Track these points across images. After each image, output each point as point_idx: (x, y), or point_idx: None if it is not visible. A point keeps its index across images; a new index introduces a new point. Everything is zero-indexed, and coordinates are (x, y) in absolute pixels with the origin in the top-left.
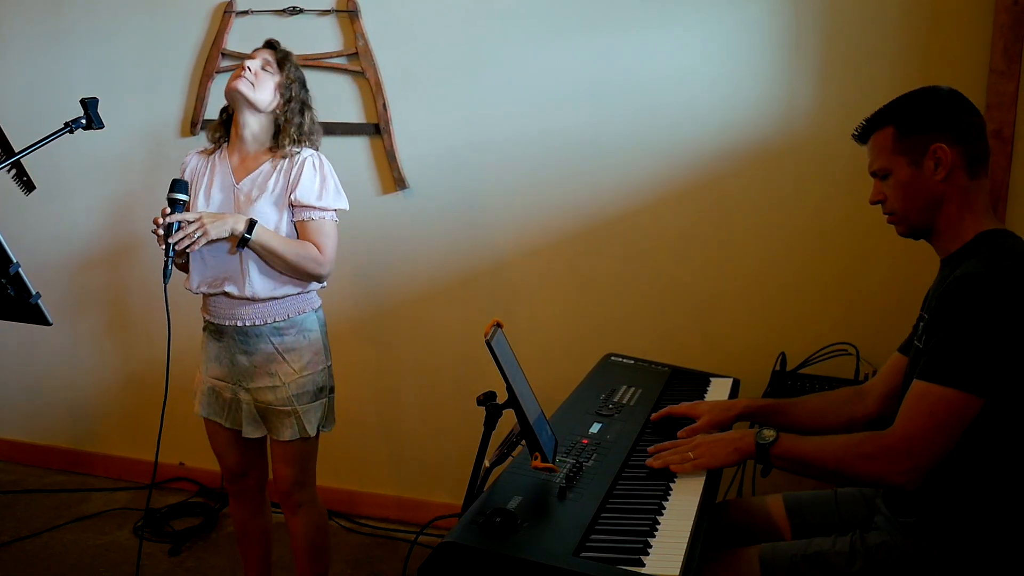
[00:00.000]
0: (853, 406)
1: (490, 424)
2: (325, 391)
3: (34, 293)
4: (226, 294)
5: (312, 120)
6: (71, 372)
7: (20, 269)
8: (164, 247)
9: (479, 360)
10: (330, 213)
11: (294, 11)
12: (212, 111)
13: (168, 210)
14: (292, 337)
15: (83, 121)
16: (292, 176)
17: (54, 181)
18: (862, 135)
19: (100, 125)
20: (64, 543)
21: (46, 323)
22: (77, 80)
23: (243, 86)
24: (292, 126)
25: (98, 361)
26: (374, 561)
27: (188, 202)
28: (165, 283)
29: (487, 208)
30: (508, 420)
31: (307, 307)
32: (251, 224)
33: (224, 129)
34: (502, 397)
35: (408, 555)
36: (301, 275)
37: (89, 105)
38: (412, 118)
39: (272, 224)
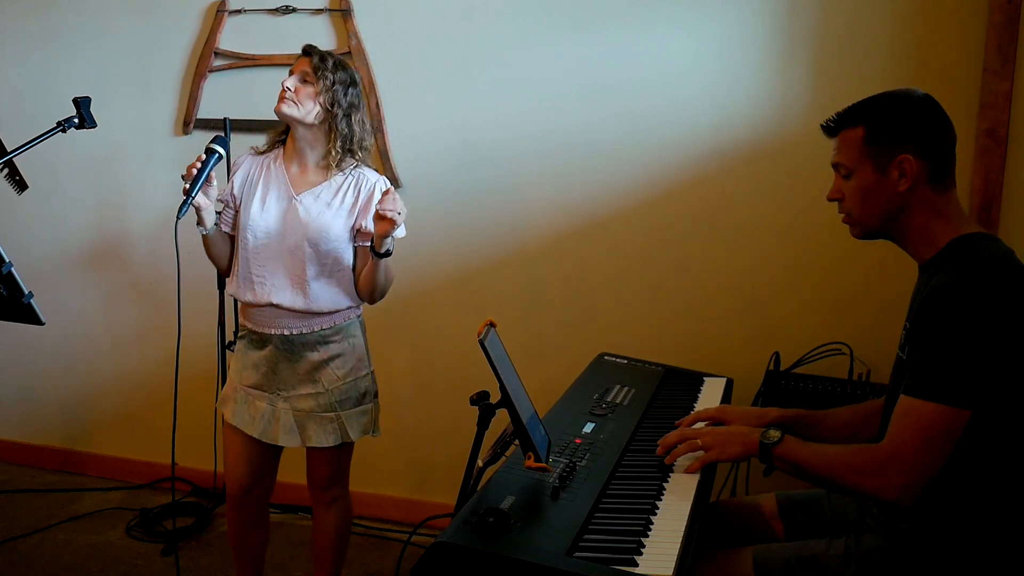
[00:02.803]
0: (880, 419)
1: (483, 424)
2: (369, 396)
3: (27, 293)
4: (273, 305)
5: (362, 125)
6: (64, 372)
7: (13, 269)
8: (189, 186)
9: (473, 359)
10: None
11: (287, 10)
12: (205, 110)
13: (203, 157)
14: (337, 344)
15: (76, 120)
16: (361, 202)
17: (47, 180)
18: (832, 129)
19: (93, 124)
20: (57, 543)
21: (39, 323)
22: (70, 79)
23: (286, 108)
24: (339, 137)
25: (91, 361)
26: (368, 561)
27: (222, 156)
28: (179, 217)
29: (480, 207)
30: (502, 420)
31: (352, 314)
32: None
33: (282, 135)
34: (495, 397)
35: (401, 555)
36: (377, 296)
37: (82, 104)
38: (405, 117)
39: (332, 242)
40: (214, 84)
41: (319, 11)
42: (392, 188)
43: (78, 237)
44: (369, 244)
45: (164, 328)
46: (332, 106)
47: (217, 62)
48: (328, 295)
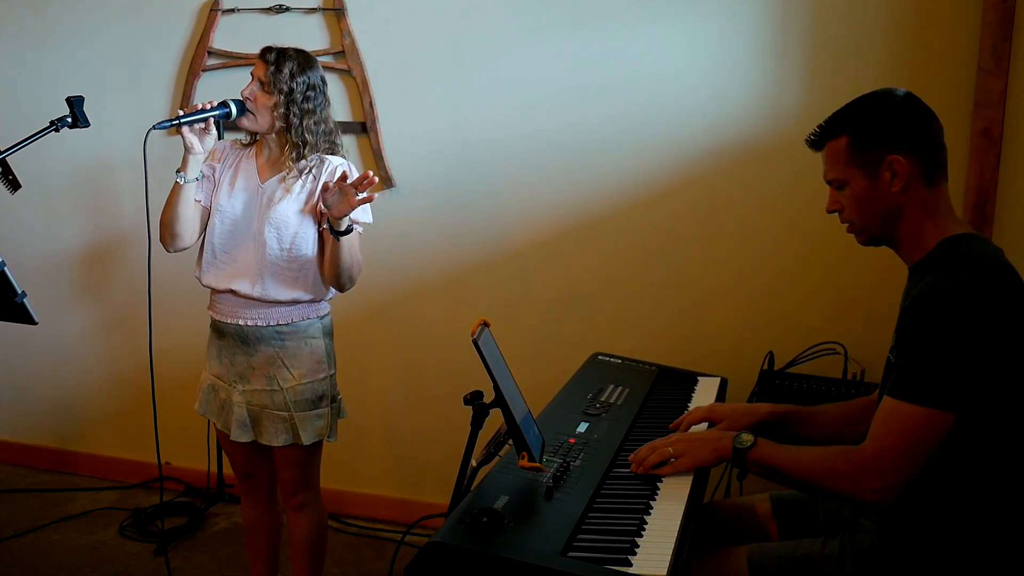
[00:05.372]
0: (870, 417)
1: (477, 423)
2: (325, 400)
3: (20, 292)
4: (232, 292)
5: (325, 124)
6: (57, 371)
7: (6, 268)
8: (184, 112)
9: (466, 359)
10: (360, 225)
11: (280, 9)
12: None
13: (214, 103)
14: (293, 343)
15: (69, 119)
16: (321, 185)
17: (40, 180)
18: (816, 143)
19: (86, 123)
20: (50, 542)
21: (32, 322)
22: (63, 78)
23: (247, 122)
24: (293, 147)
25: (84, 360)
26: (362, 561)
27: (231, 115)
28: (156, 128)
29: (474, 207)
30: (495, 419)
31: (312, 314)
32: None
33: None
34: (489, 396)
35: (395, 555)
36: (344, 281)
37: (75, 103)
38: (399, 116)
39: (292, 228)
40: (207, 83)
41: (313, 10)
42: (350, 173)
43: (71, 236)
44: (327, 226)
45: (158, 328)
46: (287, 116)
47: (210, 61)
48: (285, 285)
